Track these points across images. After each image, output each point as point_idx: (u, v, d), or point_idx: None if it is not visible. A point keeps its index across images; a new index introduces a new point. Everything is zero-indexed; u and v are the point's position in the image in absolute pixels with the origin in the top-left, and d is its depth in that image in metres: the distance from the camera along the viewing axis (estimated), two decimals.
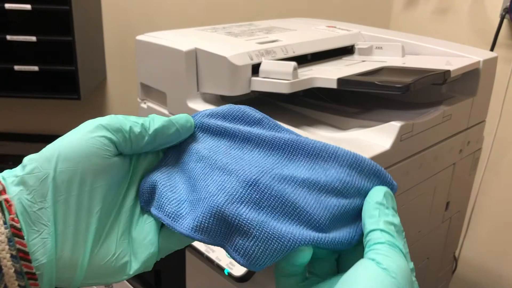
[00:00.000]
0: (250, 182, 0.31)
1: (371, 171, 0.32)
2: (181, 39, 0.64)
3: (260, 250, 0.29)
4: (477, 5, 1.22)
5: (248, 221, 0.30)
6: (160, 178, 0.34)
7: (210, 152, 0.35)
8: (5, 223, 0.28)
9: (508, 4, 1.12)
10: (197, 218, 0.31)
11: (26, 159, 0.31)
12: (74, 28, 1.18)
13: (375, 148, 0.52)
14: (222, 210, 0.30)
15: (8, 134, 1.50)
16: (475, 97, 0.68)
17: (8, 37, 1.20)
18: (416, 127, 0.56)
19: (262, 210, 0.30)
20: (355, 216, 0.32)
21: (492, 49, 1.16)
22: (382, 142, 0.53)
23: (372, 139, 0.54)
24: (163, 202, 0.33)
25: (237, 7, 1.42)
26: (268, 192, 0.31)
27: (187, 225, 0.32)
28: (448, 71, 0.59)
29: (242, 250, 0.30)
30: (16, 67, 1.22)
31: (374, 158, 0.50)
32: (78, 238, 0.30)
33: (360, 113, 0.66)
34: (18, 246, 0.28)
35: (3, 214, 0.28)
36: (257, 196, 0.31)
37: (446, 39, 0.75)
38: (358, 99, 0.70)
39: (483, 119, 0.73)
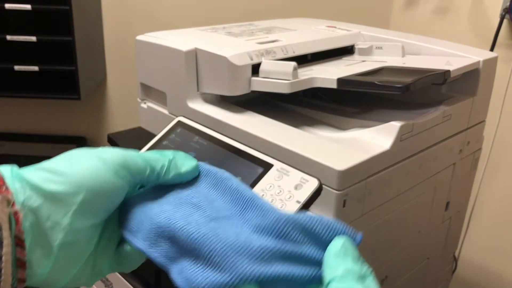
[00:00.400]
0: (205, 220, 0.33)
1: (329, 228, 0.31)
2: (181, 39, 0.64)
3: (203, 280, 0.29)
4: (477, 5, 1.22)
5: (198, 245, 0.30)
6: (137, 202, 0.36)
7: (187, 190, 0.36)
8: (11, 231, 0.29)
9: (508, 4, 1.12)
10: (153, 237, 0.33)
11: (53, 174, 0.31)
12: (74, 28, 1.18)
13: (375, 148, 0.52)
14: (179, 233, 0.32)
15: (8, 134, 1.50)
16: (475, 97, 0.68)
17: (8, 37, 1.19)
18: (416, 127, 0.56)
19: (213, 241, 0.30)
20: (313, 263, 0.31)
21: (492, 49, 1.16)
22: (382, 142, 0.53)
23: (372, 139, 0.54)
24: (129, 219, 0.35)
25: (237, 7, 1.42)
26: (220, 229, 0.31)
27: (143, 243, 0.34)
28: (448, 71, 0.59)
29: (185, 276, 0.31)
30: (16, 67, 1.22)
31: (374, 158, 0.50)
32: (75, 260, 0.33)
33: (360, 113, 0.66)
34: (18, 256, 0.29)
35: (10, 224, 0.29)
36: (210, 229, 0.31)
37: (446, 39, 0.75)
38: (358, 99, 0.70)
39: (483, 119, 0.73)
